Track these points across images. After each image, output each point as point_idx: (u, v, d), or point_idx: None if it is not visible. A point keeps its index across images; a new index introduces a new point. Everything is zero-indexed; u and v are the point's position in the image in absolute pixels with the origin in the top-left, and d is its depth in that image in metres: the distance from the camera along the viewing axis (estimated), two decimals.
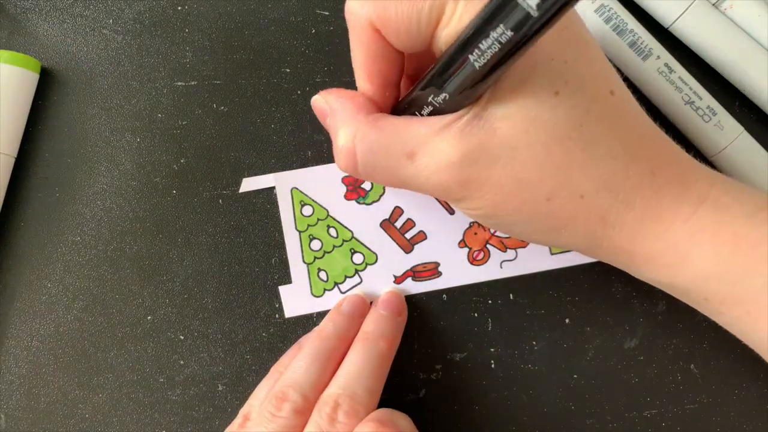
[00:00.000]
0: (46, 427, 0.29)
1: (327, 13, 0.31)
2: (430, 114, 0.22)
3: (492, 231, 0.30)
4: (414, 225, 0.30)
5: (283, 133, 0.30)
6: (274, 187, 0.30)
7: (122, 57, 0.31)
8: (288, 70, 0.31)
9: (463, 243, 0.30)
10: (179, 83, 0.30)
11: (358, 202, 0.30)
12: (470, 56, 0.19)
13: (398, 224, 0.30)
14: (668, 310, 0.29)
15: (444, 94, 0.21)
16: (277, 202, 0.30)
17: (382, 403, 0.26)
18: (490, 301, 0.29)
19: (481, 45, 0.19)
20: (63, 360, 0.29)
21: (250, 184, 0.30)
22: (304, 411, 0.24)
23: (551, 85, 0.21)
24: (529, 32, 0.18)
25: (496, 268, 0.29)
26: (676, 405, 0.29)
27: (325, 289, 0.29)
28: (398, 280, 0.29)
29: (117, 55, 0.31)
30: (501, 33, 0.18)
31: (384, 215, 0.30)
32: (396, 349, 0.27)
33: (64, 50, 0.31)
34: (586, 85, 0.22)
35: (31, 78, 0.30)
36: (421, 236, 0.30)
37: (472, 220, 0.30)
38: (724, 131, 0.28)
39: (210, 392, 0.29)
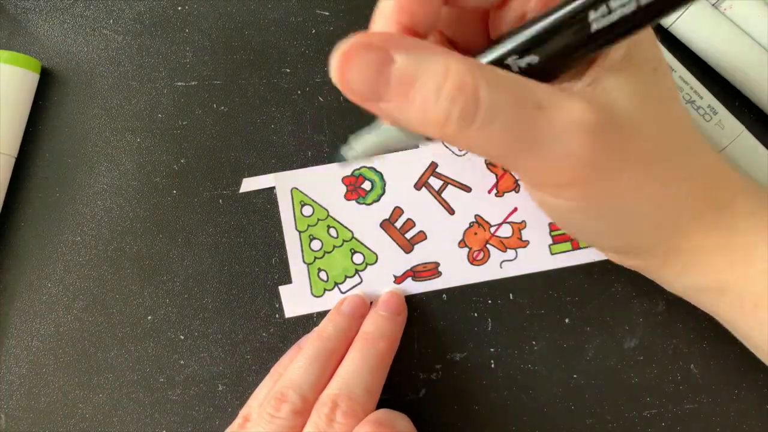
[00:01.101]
0: (46, 427, 0.29)
1: (327, 14, 0.31)
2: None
3: (492, 231, 0.30)
4: (414, 225, 0.30)
5: (283, 133, 0.30)
6: (274, 187, 0.30)
7: (122, 57, 0.31)
8: (288, 70, 0.31)
9: (463, 243, 0.30)
10: (179, 83, 0.31)
11: (358, 202, 0.30)
12: (592, 13, 0.17)
13: (398, 224, 0.30)
14: (668, 310, 0.29)
15: (538, 58, 0.18)
16: (277, 202, 0.30)
17: (382, 403, 0.26)
18: (490, 301, 0.29)
19: (610, 2, 0.17)
20: (63, 360, 0.29)
21: (250, 184, 0.30)
22: (303, 412, 0.24)
23: (650, 62, 0.21)
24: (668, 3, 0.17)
25: (496, 268, 0.29)
26: (675, 405, 0.29)
27: (325, 289, 0.29)
28: (398, 280, 0.29)
29: (117, 56, 0.31)
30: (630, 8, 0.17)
31: (384, 215, 0.30)
32: (395, 349, 0.27)
33: (64, 50, 0.31)
34: (667, 75, 0.22)
35: (32, 78, 0.30)
36: (421, 236, 0.30)
37: (471, 219, 0.30)
38: (725, 130, 0.28)
39: (210, 392, 0.29)
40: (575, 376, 0.29)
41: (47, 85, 0.30)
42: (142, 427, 0.29)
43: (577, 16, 0.18)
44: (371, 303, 0.29)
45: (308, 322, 0.29)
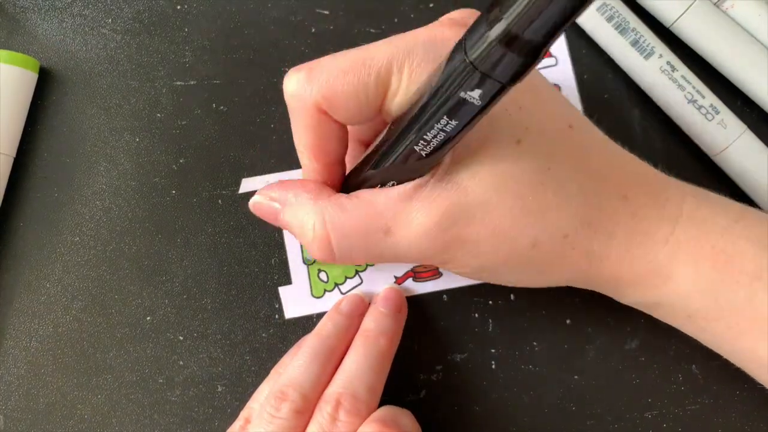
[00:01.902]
0: (44, 428, 0.28)
1: (327, 12, 0.31)
2: (383, 185, 0.22)
3: None
4: None
5: (283, 133, 0.30)
6: None
7: (121, 56, 0.31)
8: (288, 70, 0.30)
9: None
10: (178, 83, 0.30)
11: None
12: (416, 147, 0.19)
13: None
14: None
15: (397, 176, 0.21)
16: None
17: (382, 404, 0.26)
18: (490, 302, 0.29)
19: (425, 136, 0.19)
20: (62, 361, 0.29)
21: (249, 184, 0.30)
22: (303, 411, 0.24)
23: (512, 135, 0.21)
24: (473, 117, 0.18)
25: None
26: (677, 406, 0.29)
27: (325, 290, 0.29)
28: (399, 280, 0.29)
29: (116, 55, 0.31)
30: (445, 123, 0.18)
31: None
32: (396, 346, 0.27)
33: (63, 50, 0.31)
34: (545, 126, 0.22)
35: (30, 77, 0.30)
36: None
37: None
38: (727, 130, 0.28)
39: (209, 393, 0.29)
40: (576, 377, 0.29)
41: (46, 84, 0.30)
42: (141, 428, 0.28)
43: (407, 150, 0.20)
44: (370, 302, 0.29)
45: (308, 322, 0.29)
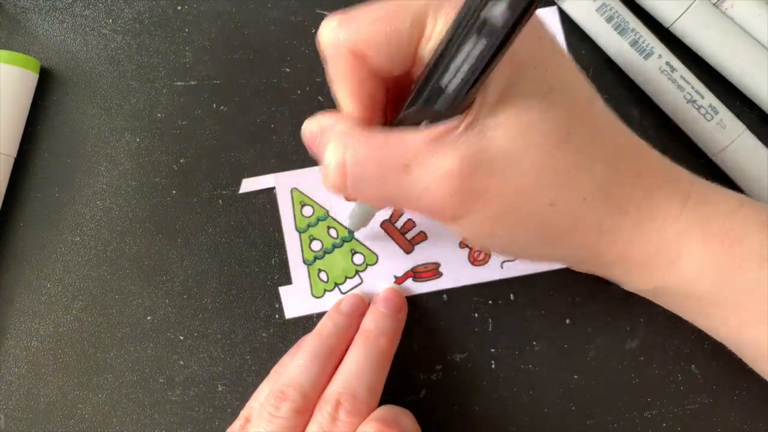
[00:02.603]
0: (45, 427, 0.28)
1: (327, 13, 0.31)
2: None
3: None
4: (414, 225, 0.30)
5: (283, 133, 0.30)
6: (274, 188, 0.30)
7: (122, 57, 0.31)
8: (288, 70, 0.30)
9: (463, 243, 0.29)
10: (179, 83, 0.30)
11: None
12: (444, 76, 0.19)
13: (399, 224, 0.30)
14: (669, 310, 0.29)
15: (431, 111, 0.21)
16: (277, 202, 0.30)
17: (382, 404, 0.26)
18: (490, 302, 0.29)
19: (451, 65, 0.19)
20: (62, 360, 0.29)
21: (249, 184, 0.30)
22: (303, 410, 0.24)
23: (538, 90, 0.21)
24: (499, 42, 0.18)
25: (497, 268, 0.29)
26: (676, 406, 0.29)
27: (325, 290, 0.29)
28: (399, 280, 0.29)
29: (116, 55, 0.31)
30: (472, 47, 0.18)
31: (384, 215, 0.30)
32: (396, 346, 0.27)
33: (63, 50, 0.31)
34: (568, 91, 0.22)
35: (31, 78, 0.30)
36: (422, 236, 0.30)
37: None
38: (726, 130, 0.28)
39: (210, 393, 0.29)
40: (576, 376, 0.29)
41: (46, 84, 0.30)
42: (141, 428, 0.29)
43: (436, 83, 0.20)
44: (370, 302, 0.29)
45: (308, 322, 0.29)
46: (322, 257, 0.29)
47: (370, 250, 0.30)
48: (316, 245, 0.29)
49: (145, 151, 0.30)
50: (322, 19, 0.31)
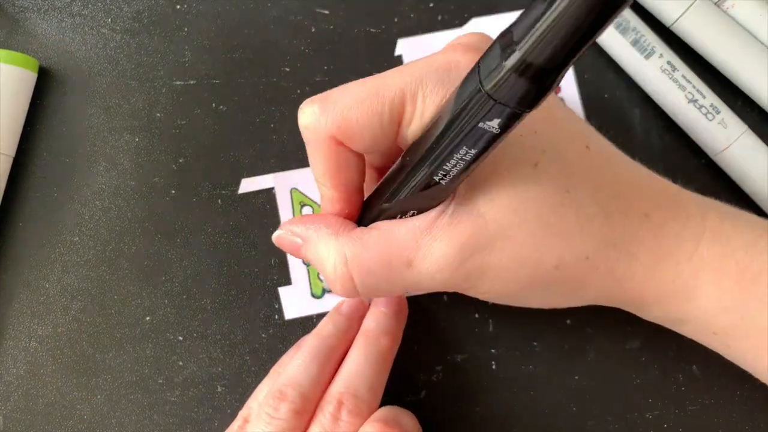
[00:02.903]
0: (44, 428, 0.28)
1: (327, 12, 0.31)
2: (403, 214, 0.22)
3: None
4: None
5: (283, 132, 0.30)
6: (273, 188, 0.30)
7: (121, 56, 0.31)
8: (288, 70, 0.30)
9: None
10: (178, 82, 0.30)
11: None
12: (435, 177, 0.19)
13: None
14: None
15: (416, 206, 0.21)
16: (276, 202, 0.30)
17: (382, 405, 0.25)
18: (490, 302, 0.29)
19: (445, 166, 0.19)
20: (61, 361, 0.29)
21: (249, 184, 0.30)
22: (302, 411, 0.24)
23: (528, 158, 0.21)
24: (492, 144, 0.18)
25: None
26: (677, 406, 0.28)
27: (324, 290, 0.29)
28: None
29: (115, 54, 0.31)
30: (464, 153, 0.18)
31: None
32: (398, 346, 0.27)
33: (62, 49, 0.31)
34: (562, 148, 0.21)
35: (29, 77, 0.30)
36: None
37: None
38: (728, 129, 0.28)
39: (209, 393, 0.29)
40: (577, 377, 0.29)
41: (45, 84, 0.30)
42: (140, 429, 0.28)
43: (425, 180, 0.20)
44: (370, 303, 0.29)
45: (308, 323, 0.29)
46: None
47: None
48: None
49: (144, 150, 0.30)
50: (322, 18, 0.31)
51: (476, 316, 0.29)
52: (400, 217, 0.22)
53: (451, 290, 0.23)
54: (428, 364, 0.29)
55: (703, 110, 0.28)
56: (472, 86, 0.16)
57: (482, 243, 0.21)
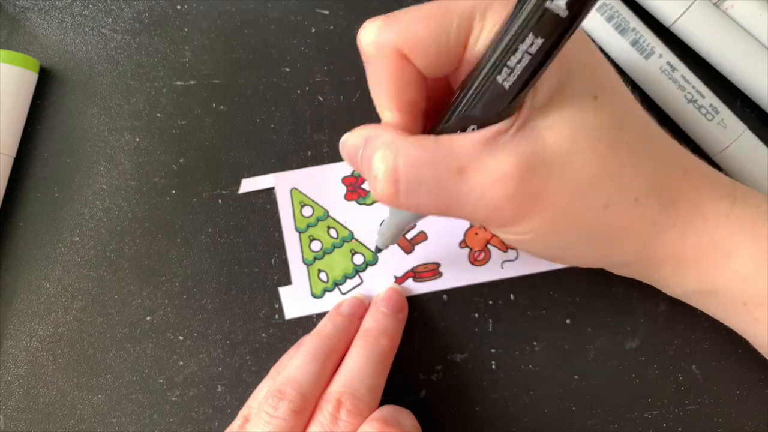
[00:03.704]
0: (44, 427, 0.28)
1: (327, 12, 0.31)
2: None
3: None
4: (415, 225, 0.30)
5: (283, 132, 0.30)
6: (273, 188, 0.30)
7: (121, 56, 0.31)
8: (288, 70, 0.30)
9: (464, 243, 0.29)
10: (178, 83, 0.30)
11: (359, 203, 0.30)
12: (498, 76, 0.18)
13: None
14: (669, 310, 0.29)
15: (479, 116, 0.20)
16: (276, 202, 0.30)
17: (383, 404, 0.25)
18: (490, 302, 0.29)
19: (509, 62, 0.18)
20: (62, 360, 0.29)
21: (249, 184, 0.30)
22: (301, 410, 0.24)
23: (588, 91, 0.21)
24: (558, 36, 0.17)
25: (498, 268, 0.29)
26: (677, 406, 0.29)
27: (325, 290, 0.29)
28: (399, 280, 0.29)
29: (116, 55, 0.31)
30: (530, 44, 0.17)
31: (385, 216, 0.30)
32: (397, 346, 0.27)
33: (63, 50, 0.31)
34: (616, 93, 0.21)
35: (30, 77, 0.30)
36: (422, 236, 0.30)
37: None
38: (727, 130, 0.28)
39: (209, 393, 0.29)
40: (576, 376, 0.29)
41: (46, 84, 0.30)
42: (140, 428, 0.28)
43: (489, 83, 0.19)
44: (370, 304, 0.29)
45: (307, 322, 0.29)
46: (321, 257, 0.29)
47: (370, 250, 0.30)
48: (316, 245, 0.29)
49: (145, 150, 0.30)
50: (322, 19, 0.31)
51: (476, 315, 0.29)
52: (461, 132, 0.21)
53: (494, 221, 0.22)
54: (428, 363, 0.29)
55: (703, 110, 0.28)
56: None
57: (541, 166, 0.20)
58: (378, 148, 0.21)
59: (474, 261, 0.29)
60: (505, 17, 0.18)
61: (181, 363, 0.29)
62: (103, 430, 0.28)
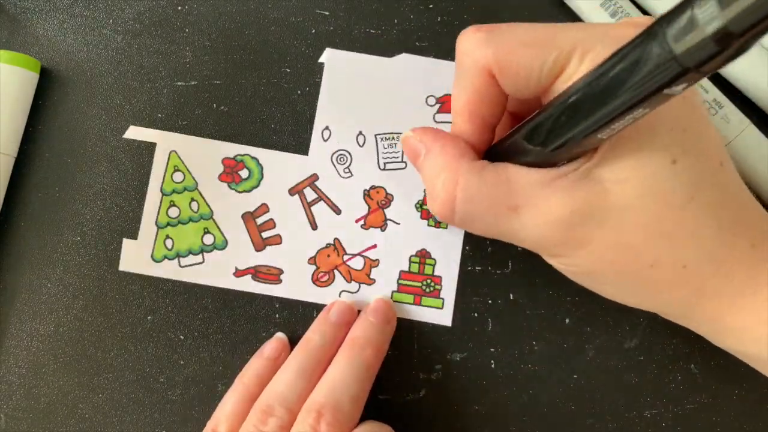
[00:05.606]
0: (45, 427, 0.29)
1: (327, 13, 0.31)
2: (528, 163, 0.21)
3: (345, 259, 0.29)
4: (274, 227, 0.29)
5: (283, 133, 0.30)
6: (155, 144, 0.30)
7: (122, 57, 0.31)
8: (288, 70, 0.31)
9: (313, 260, 0.29)
10: (179, 83, 0.30)
11: (230, 187, 0.29)
12: (599, 134, 0.18)
13: (259, 221, 0.29)
14: None
15: (548, 150, 0.20)
16: (153, 157, 0.30)
17: (382, 404, 0.26)
18: (490, 301, 0.29)
19: (614, 125, 0.18)
20: (63, 360, 0.29)
21: (135, 132, 0.30)
22: (288, 426, 0.24)
23: (669, 153, 0.20)
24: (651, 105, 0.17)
25: (335, 295, 0.29)
26: (676, 405, 0.29)
27: (165, 257, 0.29)
28: (238, 273, 0.29)
29: (117, 55, 0.31)
30: (641, 114, 0.17)
31: (249, 207, 0.29)
32: (383, 358, 0.27)
33: (64, 50, 0.31)
34: (701, 155, 0.21)
35: (31, 78, 0.30)
36: (277, 239, 0.29)
37: (330, 240, 0.29)
38: (730, 124, 0.28)
39: (210, 392, 0.29)
40: (575, 376, 0.29)
41: (47, 84, 0.30)
42: (141, 428, 0.29)
43: (580, 133, 0.19)
44: (359, 311, 0.29)
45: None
46: (175, 225, 0.29)
47: (223, 234, 0.29)
48: (174, 212, 0.29)
49: (146, 151, 0.30)
50: (322, 19, 0.31)
51: (475, 315, 0.29)
52: (523, 166, 0.21)
53: (539, 249, 0.23)
54: (428, 363, 0.29)
55: (706, 105, 0.28)
56: (655, 49, 0.16)
57: (596, 215, 0.20)
58: (441, 171, 0.22)
59: (316, 280, 0.29)
60: (601, 62, 0.18)
61: (182, 362, 0.29)
62: (104, 430, 0.29)
